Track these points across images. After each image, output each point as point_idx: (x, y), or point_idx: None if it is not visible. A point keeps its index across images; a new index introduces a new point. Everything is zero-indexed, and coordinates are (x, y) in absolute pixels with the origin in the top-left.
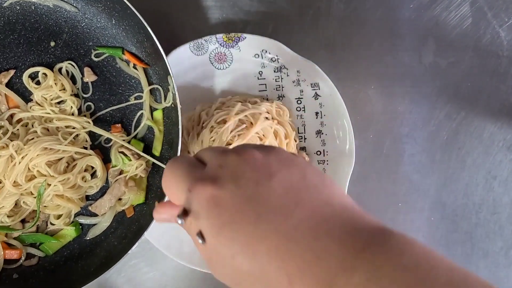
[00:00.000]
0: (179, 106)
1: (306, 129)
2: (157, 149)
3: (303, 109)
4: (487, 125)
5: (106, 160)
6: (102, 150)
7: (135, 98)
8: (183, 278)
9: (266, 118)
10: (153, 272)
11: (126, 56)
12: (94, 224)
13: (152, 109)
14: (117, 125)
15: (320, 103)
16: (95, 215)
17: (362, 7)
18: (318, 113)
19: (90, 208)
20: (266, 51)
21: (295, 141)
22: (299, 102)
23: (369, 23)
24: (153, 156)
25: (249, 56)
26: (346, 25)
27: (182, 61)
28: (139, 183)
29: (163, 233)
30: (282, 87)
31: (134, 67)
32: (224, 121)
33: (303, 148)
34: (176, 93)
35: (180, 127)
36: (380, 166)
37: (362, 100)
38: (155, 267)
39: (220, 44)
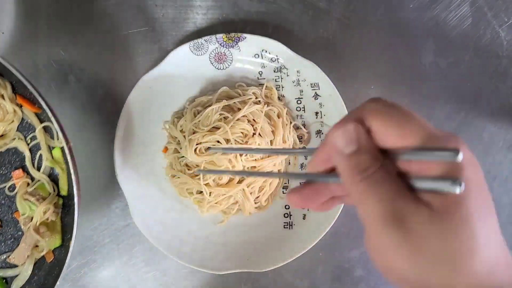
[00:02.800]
0: (65, 145)
1: (306, 129)
2: (63, 188)
3: (303, 109)
4: (487, 125)
5: (14, 209)
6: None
7: (31, 139)
8: (183, 278)
9: (256, 103)
10: (153, 272)
11: (19, 100)
12: (17, 275)
13: (50, 148)
14: (17, 171)
15: (320, 103)
16: (15, 265)
17: (362, 7)
18: (318, 113)
19: (8, 260)
20: (266, 51)
21: (289, 118)
22: (299, 102)
23: (369, 23)
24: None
25: (249, 56)
26: (346, 25)
27: (182, 61)
28: (53, 227)
29: (163, 233)
30: (282, 87)
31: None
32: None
33: (303, 148)
34: (59, 132)
35: (70, 166)
36: None
37: (362, 100)
38: (155, 267)
39: (220, 44)
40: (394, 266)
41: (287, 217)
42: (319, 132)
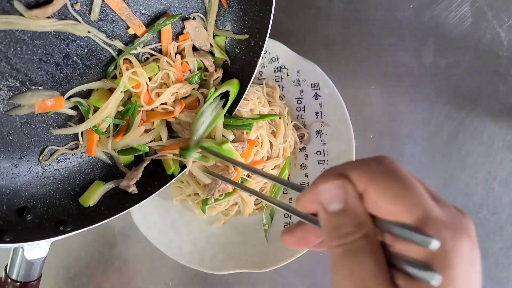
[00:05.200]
0: None
1: (306, 129)
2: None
3: (303, 109)
4: (487, 125)
5: None
6: None
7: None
8: (183, 278)
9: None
10: (153, 272)
11: None
12: None
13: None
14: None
15: (320, 103)
16: None
17: (362, 7)
18: (318, 113)
19: None
20: (266, 51)
21: (289, 118)
22: (299, 102)
23: (369, 23)
24: None
25: None
26: (346, 25)
27: None
28: None
29: (163, 233)
30: (282, 87)
31: None
32: None
33: (303, 149)
34: None
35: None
36: None
37: (362, 100)
38: (155, 268)
39: None
40: None
41: (287, 217)
42: (319, 132)
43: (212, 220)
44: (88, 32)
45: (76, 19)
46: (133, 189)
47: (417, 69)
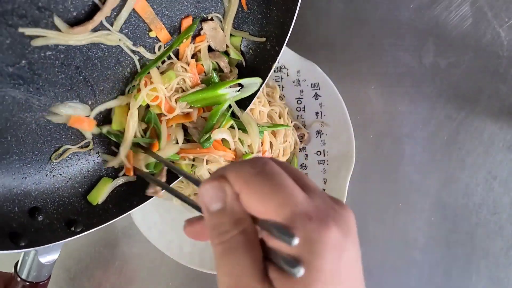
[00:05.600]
0: None
1: (306, 129)
2: None
3: (303, 109)
4: (487, 125)
5: None
6: None
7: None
8: (183, 278)
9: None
10: (153, 272)
11: None
12: None
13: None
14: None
15: (320, 103)
16: None
17: (362, 7)
18: (318, 113)
19: None
20: None
21: (290, 118)
22: (299, 102)
23: (369, 23)
24: None
25: None
26: (346, 25)
27: None
28: None
29: (163, 233)
30: (282, 87)
31: None
32: None
33: (303, 149)
34: None
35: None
36: (380, 166)
37: (362, 100)
38: (155, 268)
39: None
40: None
41: None
42: (319, 132)
43: None
44: (119, 40)
45: (108, 29)
46: (160, 194)
47: (417, 69)
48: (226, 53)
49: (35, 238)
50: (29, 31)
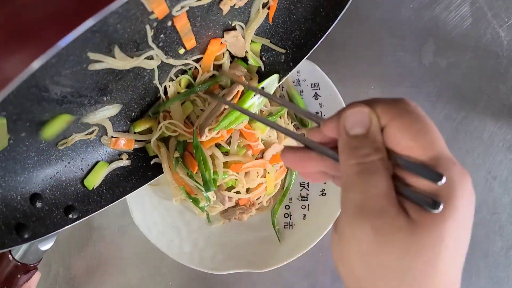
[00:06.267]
0: None
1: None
2: None
3: None
4: (487, 125)
5: None
6: None
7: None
8: (183, 278)
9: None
10: (153, 272)
11: None
12: None
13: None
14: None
15: (320, 103)
16: None
17: (362, 7)
18: (318, 113)
19: None
20: None
21: (290, 118)
22: None
23: (369, 23)
24: None
25: None
26: (346, 25)
27: None
28: None
29: (163, 233)
30: (282, 87)
31: None
32: None
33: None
34: None
35: None
36: None
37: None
38: (155, 268)
39: None
40: (349, 261)
41: (287, 217)
42: None
43: (212, 220)
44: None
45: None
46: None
47: (417, 69)
48: (243, 60)
49: (37, 228)
50: (93, 55)
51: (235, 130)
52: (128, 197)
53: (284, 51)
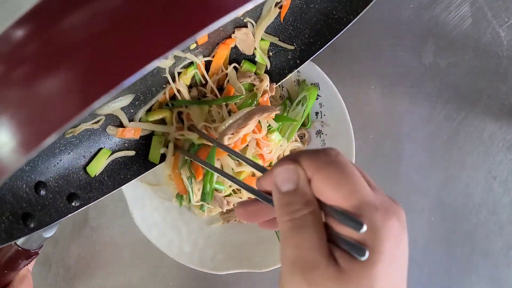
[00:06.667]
0: None
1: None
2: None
3: None
4: (487, 125)
5: None
6: None
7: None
8: (183, 278)
9: None
10: (153, 272)
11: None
12: None
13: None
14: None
15: (320, 103)
16: None
17: None
18: (318, 113)
19: None
20: None
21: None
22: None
23: (369, 23)
24: None
25: None
26: None
27: None
28: None
29: (163, 233)
30: (282, 87)
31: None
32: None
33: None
34: None
35: None
36: (380, 166)
37: (362, 100)
38: (155, 268)
39: None
40: None
41: None
42: (319, 132)
43: (212, 220)
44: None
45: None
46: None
47: (417, 69)
48: (249, 60)
49: (42, 217)
50: None
51: (252, 139)
52: (128, 197)
53: (293, 47)
